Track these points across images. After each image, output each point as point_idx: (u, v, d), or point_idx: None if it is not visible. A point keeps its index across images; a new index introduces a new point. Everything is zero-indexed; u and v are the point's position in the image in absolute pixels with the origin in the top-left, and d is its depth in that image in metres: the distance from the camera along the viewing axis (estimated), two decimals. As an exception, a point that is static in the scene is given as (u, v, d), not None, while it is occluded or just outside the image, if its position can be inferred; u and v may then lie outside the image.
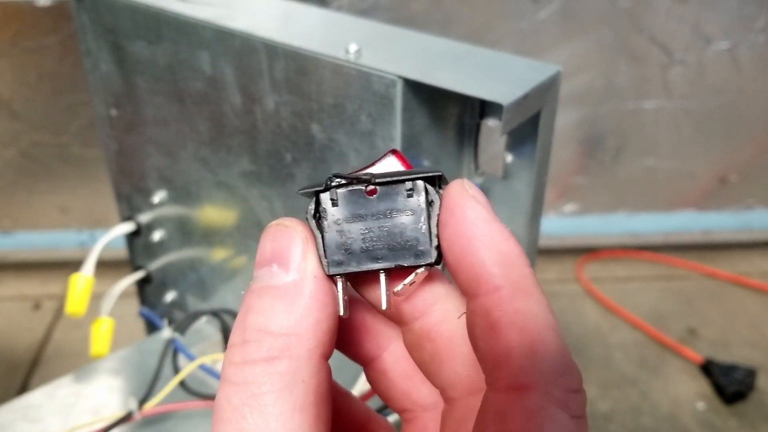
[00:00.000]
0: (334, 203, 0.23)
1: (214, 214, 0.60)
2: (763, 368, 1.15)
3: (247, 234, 0.58)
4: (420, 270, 0.23)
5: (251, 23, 0.49)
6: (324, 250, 0.23)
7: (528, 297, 0.21)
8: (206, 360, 0.56)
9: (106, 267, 0.71)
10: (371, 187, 0.23)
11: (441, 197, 0.23)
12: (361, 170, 0.24)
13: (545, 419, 0.19)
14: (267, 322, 0.21)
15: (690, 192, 1.46)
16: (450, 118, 0.45)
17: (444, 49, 0.44)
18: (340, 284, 0.23)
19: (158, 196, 0.64)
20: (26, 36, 1.13)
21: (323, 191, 0.23)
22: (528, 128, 0.42)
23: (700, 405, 1.10)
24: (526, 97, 0.38)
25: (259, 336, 0.21)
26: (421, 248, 0.23)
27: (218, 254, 0.62)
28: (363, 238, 0.23)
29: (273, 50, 0.46)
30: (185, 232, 0.64)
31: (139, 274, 0.70)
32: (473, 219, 0.22)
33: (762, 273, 1.40)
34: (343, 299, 0.23)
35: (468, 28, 1.24)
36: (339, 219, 0.23)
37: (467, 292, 0.22)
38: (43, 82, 1.18)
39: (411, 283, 0.23)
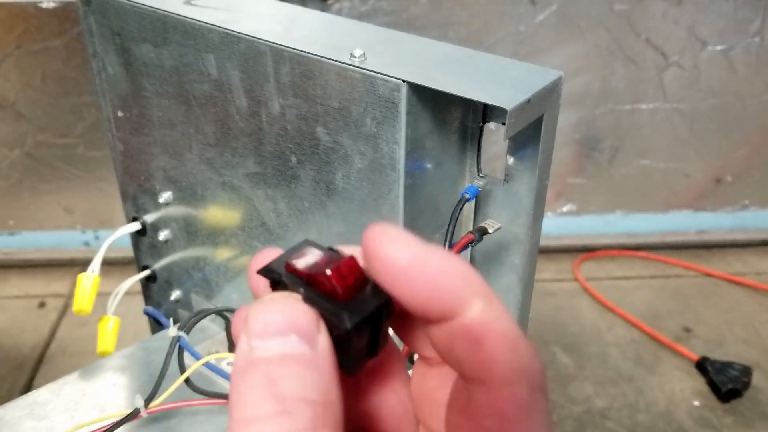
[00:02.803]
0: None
1: (219, 214, 0.61)
2: (759, 366, 1.16)
3: (252, 234, 0.59)
4: None
5: (257, 27, 0.50)
6: None
7: (493, 302, 0.22)
8: (211, 358, 0.56)
9: (112, 266, 0.72)
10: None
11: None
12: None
13: (534, 408, 0.22)
14: (303, 391, 0.21)
15: (685, 192, 1.47)
16: (453, 122, 0.46)
17: (447, 54, 0.45)
18: None
19: (164, 197, 0.64)
20: (31, 38, 1.14)
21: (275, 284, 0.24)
22: (530, 132, 0.43)
23: (696, 402, 1.11)
24: (529, 102, 0.39)
25: (300, 405, 0.20)
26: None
27: (223, 254, 0.63)
28: None
29: (279, 54, 0.47)
30: (190, 232, 0.65)
31: (144, 273, 0.71)
32: (411, 259, 0.22)
33: (756, 272, 1.42)
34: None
35: (466, 31, 1.25)
36: None
37: (439, 319, 0.22)
38: (48, 84, 1.19)
39: None
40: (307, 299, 0.23)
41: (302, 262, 0.23)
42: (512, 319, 0.22)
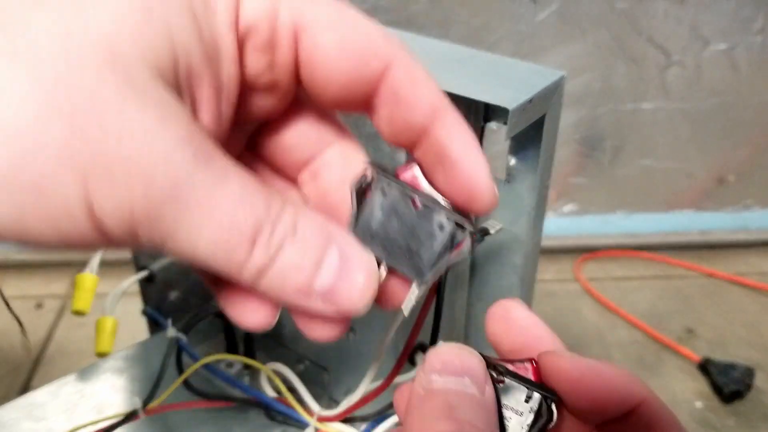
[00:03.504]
0: (384, 193, 0.26)
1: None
2: (761, 367, 1.16)
3: (251, 235, 0.58)
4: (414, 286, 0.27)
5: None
6: (356, 220, 0.26)
7: (653, 393, 0.28)
8: (210, 359, 0.56)
9: (110, 266, 0.71)
10: (418, 201, 0.26)
11: (465, 249, 0.26)
12: (401, 170, 0.27)
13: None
14: (475, 420, 0.24)
15: (688, 192, 1.46)
16: (454, 121, 0.45)
17: (448, 53, 0.45)
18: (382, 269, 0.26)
19: (162, 197, 0.64)
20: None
21: (384, 178, 0.26)
22: (531, 132, 0.42)
23: (698, 404, 1.11)
24: (530, 102, 0.38)
25: (472, 429, 0.24)
26: (422, 268, 0.26)
27: (222, 254, 0.63)
28: (387, 231, 0.26)
29: (278, 53, 0.47)
30: (189, 232, 0.64)
31: (142, 274, 0.70)
32: (584, 371, 0.27)
33: (759, 273, 1.41)
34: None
35: (467, 30, 1.24)
36: (380, 206, 0.26)
37: (616, 414, 0.27)
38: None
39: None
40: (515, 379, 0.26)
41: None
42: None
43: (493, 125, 0.45)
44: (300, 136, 0.29)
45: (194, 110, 0.24)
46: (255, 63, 0.26)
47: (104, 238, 0.21)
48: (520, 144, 0.44)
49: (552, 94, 0.40)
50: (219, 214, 0.22)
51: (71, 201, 0.20)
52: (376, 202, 0.26)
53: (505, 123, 0.37)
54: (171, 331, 0.57)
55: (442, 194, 0.26)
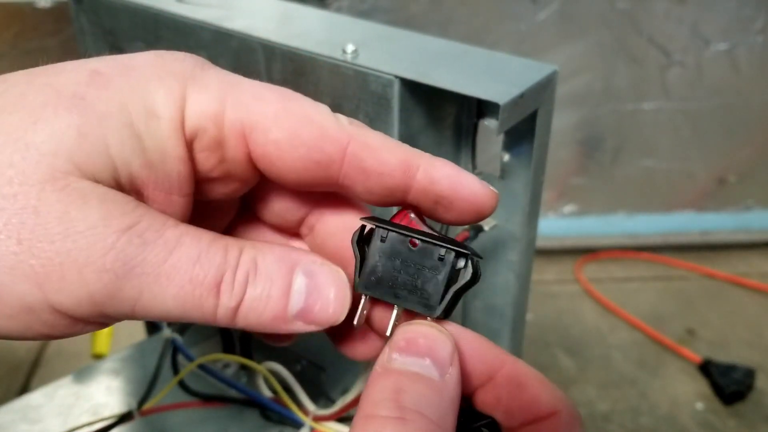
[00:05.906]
0: (383, 240, 0.27)
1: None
2: (762, 368, 1.15)
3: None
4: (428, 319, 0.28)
5: (249, 24, 0.49)
6: (359, 271, 0.28)
7: (519, 359, 0.28)
8: (205, 360, 0.56)
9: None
10: (416, 240, 0.27)
11: (467, 274, 0.27)
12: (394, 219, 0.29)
13: (575, 427, 0.27)
14: (422, 408, 0.24)
15: (688, 193, 1.46)
16: (447, 118, 0.45)
17: (441, 49, 0.45)
18: (363, 300, 0.28)
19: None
20: (26, 37, 1.13)
21: (380, 227, 0.28)
22: (524, 127, 0.42)
23: (699, 405, 1.10)
24: (522, 96, 0.38)
25: (416, 417, 0.23)
26: (431, 303, 0.27)
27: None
28: (392, 275, 0.27)
29: (271, 51, 0.47)
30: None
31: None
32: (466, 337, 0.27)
33: (761, 273, 1.41)
34: (362, 313, 0.28)
35: (467, 30, 1.24)
36: (381, 253, 0.27)
37: (484, 378, 0.27)
38: (43, 84, 1.18)
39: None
40: None
41: None
42: (537, 371, 0.28)
43: (486, 121, 0.45)
44: (284, 202, 0.31)
45: (144, 203, 0.26)
46: (205, 160, 0.28)
47: (74, 323, 0.24)
48: (513, 139, 0.44)
49: (544, 89, 0.40)
50: (178, 275, 0.24)
51: (31, 302, 0.23)
52: (377, 249, 0.28)
53: (497, 118, 0.37)
54: (166, 332, 0.57)
55: (449, 223, 0.28)
